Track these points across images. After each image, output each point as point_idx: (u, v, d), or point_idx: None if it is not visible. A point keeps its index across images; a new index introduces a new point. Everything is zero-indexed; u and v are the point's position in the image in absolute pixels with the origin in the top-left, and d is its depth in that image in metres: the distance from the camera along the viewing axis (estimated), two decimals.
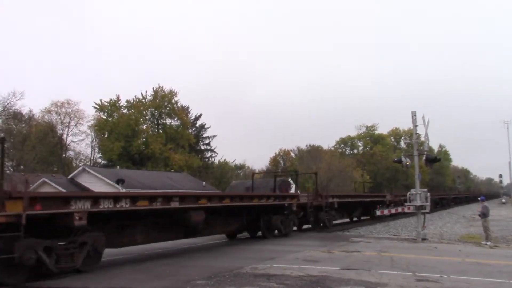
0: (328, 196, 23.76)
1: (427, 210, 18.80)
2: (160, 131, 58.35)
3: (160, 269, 10.97)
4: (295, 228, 21.40)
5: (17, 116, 52.00)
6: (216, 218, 15.68)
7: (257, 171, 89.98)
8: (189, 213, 13.21)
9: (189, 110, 65.01)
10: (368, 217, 30.99)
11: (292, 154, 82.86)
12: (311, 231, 22.00)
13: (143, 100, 58.06)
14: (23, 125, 55.91)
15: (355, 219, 30.69)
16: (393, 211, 31.91)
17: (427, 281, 9.08)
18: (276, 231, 18.92)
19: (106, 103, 55.92)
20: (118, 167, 50.39)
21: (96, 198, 10.46)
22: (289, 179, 37.73)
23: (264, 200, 17.70)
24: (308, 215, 21.42)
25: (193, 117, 65.86)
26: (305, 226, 22.68)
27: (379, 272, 10.03)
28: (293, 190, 32.41)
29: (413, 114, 18.74)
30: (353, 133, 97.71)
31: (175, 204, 12.65)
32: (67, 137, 57.40)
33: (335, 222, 25.09)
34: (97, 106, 55.85)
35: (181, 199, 12.95)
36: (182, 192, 18.35)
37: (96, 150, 60.27)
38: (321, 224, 22.69)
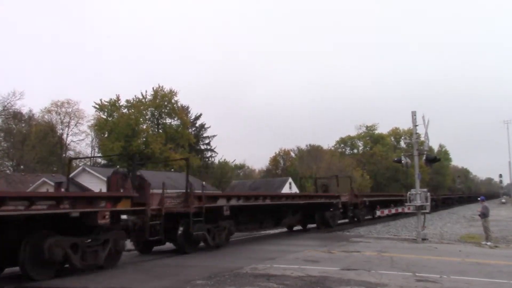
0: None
1: (427, 210, 18.77)
2: (160, 131, 58.36)
3: (160, 269, 10.96)
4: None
5: (17, 116, 51.91)
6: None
7: (256, 171, 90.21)
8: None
9: (189, 110, 65.14)
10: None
11: (292, 154, 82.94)
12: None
13: (143, 100, 58.06)
14: (23, 125, 55.90)
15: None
16: (393, 211, 31.96)
17: (427, 281, 9.06)
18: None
19: (106, 103, 55.95)
20: (118, 167, 50.34)
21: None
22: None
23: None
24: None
25: (193, 117, 65.96)
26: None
27: (379, 272, 10.01)
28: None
29: (413, 114, 18.72)
30: (353, 133, 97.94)
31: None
32: (67, 137, 57.51)
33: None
34: (97, 106, 55.89)
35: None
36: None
37: (96, 150, 60.32)
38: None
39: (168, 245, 14.58)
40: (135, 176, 12.00)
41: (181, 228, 13.70)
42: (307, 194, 24.80)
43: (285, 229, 23.32)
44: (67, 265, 10.29)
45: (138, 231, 12.24)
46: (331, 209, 23.51)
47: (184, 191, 14.37)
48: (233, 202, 15.91)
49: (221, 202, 15.37)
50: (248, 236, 20.04)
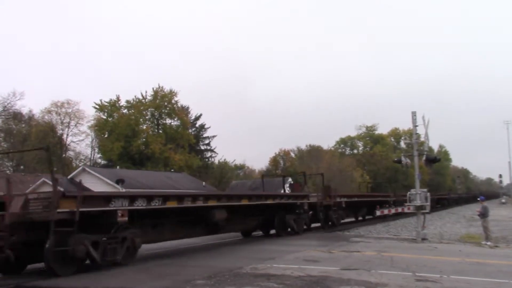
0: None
1: (427, 210, 18.78)
2: (160, 131, 58.35)
3: (160, 269, 10.97)
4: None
5: (17, 116, 52.03)
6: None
7: (257, 171, 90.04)
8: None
9: (189, 110, 65.10)
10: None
11: (292, 154, 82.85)
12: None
13: (143, 100, 58.05)
14: (23, 125, 55.91)
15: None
16: (393, 211, 31.89)
17: (427, 281, 9.07)
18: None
19: (106, 103, 55.92)
20: (118, 167, 50.40)
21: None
22: (289, 180, 38.46)
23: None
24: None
25: (193, 117, 65.93)
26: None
27: (379, 272, 10.02)
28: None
29: (413, 114, 18.72)
30: (353, 133, 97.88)
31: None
32: (67, 137, 57.40)
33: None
34: (97, 106, 55.85)
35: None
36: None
37: (96, 150, 60.32)
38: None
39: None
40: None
41: (48, 242, 9.75)
42: (258, 194, 19.84)
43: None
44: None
45: None
46: (297, 211, 20.20)
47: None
48: (139, 204, 11.76)
49: (117, 204, 11.09)
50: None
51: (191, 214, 14.47)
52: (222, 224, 15.65)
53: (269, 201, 18.34)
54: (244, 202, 16.51)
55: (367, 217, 31.72)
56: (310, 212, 22.07)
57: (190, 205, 13.57)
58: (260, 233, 20.71)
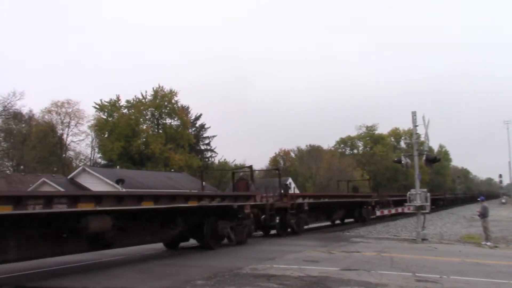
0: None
1: (427, 210, 18.79)
2: (160, 131, 58.40)
3: (160, 269, 10.97)
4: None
5: (17, 116, 52.03)
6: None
7: (256, 171, 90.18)
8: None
9: (189, 110, 65.14)
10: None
11: (292, 154, 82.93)
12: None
13: (143, 100, 58.12)
14: (23, 125, 55.92)
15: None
16: (393, 211, 31.84)
17: (427, 281, 9.07)
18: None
19: (106, 103, 56.00)
20: (118, 167, 50.42)
21: None
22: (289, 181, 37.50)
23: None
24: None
25: (193, 117, 65.97)
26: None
27: (379, 272, 10.02)
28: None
29: (413, 114, 18.73)
30: (353, 133, 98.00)
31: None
32: (67, 137, 57.49)
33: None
34: (97, 106, 55.93)
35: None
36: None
37: (96, 150, 60.37)
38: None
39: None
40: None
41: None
42: (172, 194, 13.95)
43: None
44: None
45: None
46: (239, 216, 15.83)
47: None
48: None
49: None
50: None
51: (55, 223, 10.16)
52: (109, 236, 10.97)
53: (191, 203, 13.41)
54: (147, 205, 11.81)
55: (347, 220, 28.82)
56: (263, 217, 18.08)
57: (42, 210, 9.12)
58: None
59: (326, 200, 24.51)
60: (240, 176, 20.11)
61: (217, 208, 15.00)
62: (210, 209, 14.68)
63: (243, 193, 17.81)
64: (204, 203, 14.12)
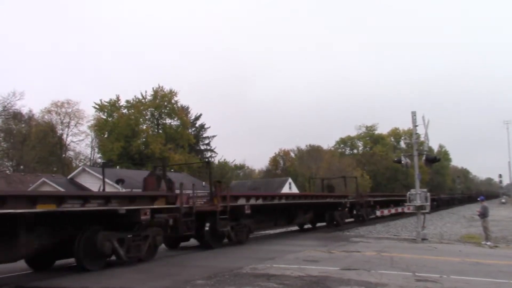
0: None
1: (427, 210, 18.79)
2: (160, 131, 58.36)
3: (160, 269, 10.97)
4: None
5: (17, 116, 51.99)
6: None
7: (256, 171, 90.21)
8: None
9: (189, 110, 65.16)
10: (325, 224, 24.70)
11: (292, 154, 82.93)
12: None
13: (143, 100, 58.06)
14: (23, 125, 55.91)
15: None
16: (393, 211, 31.84)
17: (427, 281, 9.07)
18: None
19: (106, 103, 55.93)
20: (118, 167, 50.39)
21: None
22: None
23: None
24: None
25: (193, 117, 65.98)
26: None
27: (379, 272, 10.02)
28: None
29: (413, 114, 18.74)
30: (353, 133, 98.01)
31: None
32: (67, 137, 57.47)
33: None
34: (97, 106, 55.87)
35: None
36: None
37: (96, 150, 60.34)
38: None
39: None
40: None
41: None
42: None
43: None
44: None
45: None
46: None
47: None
48: None
49: None
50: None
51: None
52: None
53: (41, 208, 9.26)
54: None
55: (319, 224, 24.87)
56: (171, 225, 13.91)
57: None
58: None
59: (283, 201, 20.12)
60: (150, 171, 16.45)
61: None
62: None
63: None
64: (67, 207, 9.84)
